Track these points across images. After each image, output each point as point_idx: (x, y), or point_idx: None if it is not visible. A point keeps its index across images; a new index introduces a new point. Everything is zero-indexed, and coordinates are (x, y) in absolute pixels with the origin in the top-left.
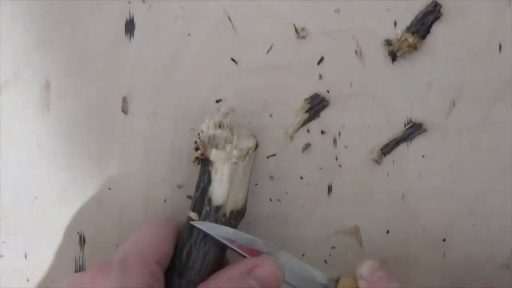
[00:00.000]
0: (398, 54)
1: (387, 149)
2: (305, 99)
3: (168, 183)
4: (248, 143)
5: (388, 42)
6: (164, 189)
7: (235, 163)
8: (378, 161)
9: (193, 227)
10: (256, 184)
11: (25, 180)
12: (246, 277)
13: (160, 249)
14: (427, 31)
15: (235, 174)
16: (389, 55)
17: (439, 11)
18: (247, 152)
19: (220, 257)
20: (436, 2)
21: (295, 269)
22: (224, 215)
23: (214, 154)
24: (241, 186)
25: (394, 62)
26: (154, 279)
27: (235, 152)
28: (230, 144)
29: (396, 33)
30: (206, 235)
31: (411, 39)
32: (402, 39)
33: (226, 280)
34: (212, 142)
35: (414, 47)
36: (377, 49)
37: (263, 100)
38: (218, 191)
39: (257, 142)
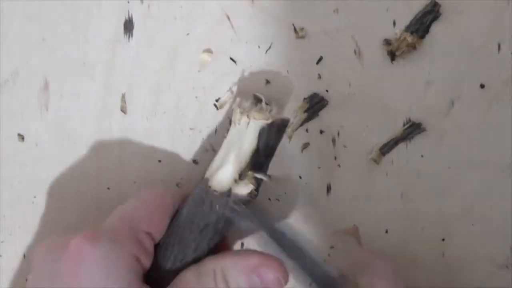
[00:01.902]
0: (397, 53)
1: (386, 148)
2: (304, 98)
3: (167, 183)
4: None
5: (387, 42)
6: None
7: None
8: (377, 161)
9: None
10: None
11: (24, 180)
12: (251, 272)
13: (154, 221)
14: (426, 31)
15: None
16: (388, 54)
17: (438, 10)
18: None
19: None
20: (435, 1)
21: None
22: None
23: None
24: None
25: (393, 62)
26: (142, 251)
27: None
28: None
29: (395, 32)
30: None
31: (410, 39)
32: (401, 38)
33: (231, 266)
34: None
35: (413, 47)
36: (376, 49)
37: (262, 100)
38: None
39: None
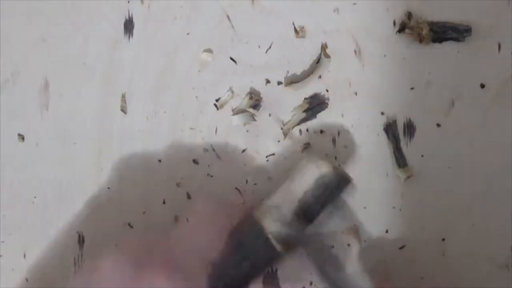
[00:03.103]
0: (406, 30)
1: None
2: (305, 98)
3: (167, 183)
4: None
5: (409, 16)
6: (164, 189)
7: None
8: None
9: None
10: (255, 184)
11: (24, 180)
12: None
13: (215, 246)
14: (441, 40)
15: None
16: (399, 24)
17: None
18: None
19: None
20: None
21: None
22: None
23: None
24: None
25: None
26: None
27: None
28: None
29: (421, 15)
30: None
31: (425, 31)
32: (420, 24)
33: None
34: None
35: (420, 39)
36: (376, 49)
37: (262, 100)
38: None
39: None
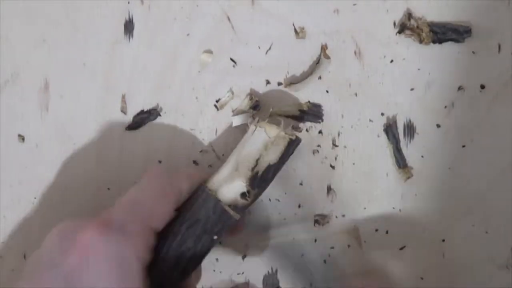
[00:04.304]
0: (406, 31)
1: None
2: (308, 101)
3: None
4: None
5: (409, 16)
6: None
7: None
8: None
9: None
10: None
11: (25, 180)
12: None
13: (162, 215)
14: (441, 41)
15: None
16: (399, 25)
17: None
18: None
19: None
20: None
21: None
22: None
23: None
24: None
25: (399, 34)
26: (148, 247)
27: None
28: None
29: (420, 16)
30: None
31: (425, 32)
32: (420, 25)
33: None
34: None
35: (420, 40)
36: (376, 50)
37: (262, 100)
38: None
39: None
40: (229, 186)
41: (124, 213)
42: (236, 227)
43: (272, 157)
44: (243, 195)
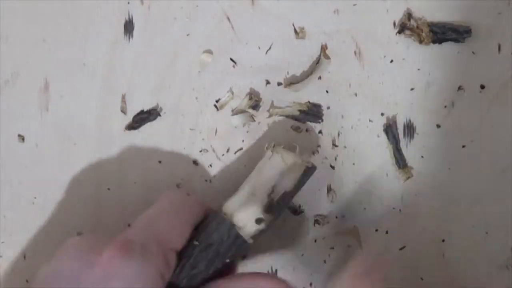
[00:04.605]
0: (406, 31)
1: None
2: (309, 101)
3: (167, 183)
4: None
5: (409, 16)
6: (164, 189)
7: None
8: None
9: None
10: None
11: (25, 180)
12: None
13: (180, 236)
14: (441, 41)
15: None
16: (399, 25)
17: None
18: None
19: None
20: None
21: None
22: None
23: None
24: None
25: (399, 34)
26: (167, 268)
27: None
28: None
29: (420, 16)
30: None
31: (425, 32)
32: (420, 25)
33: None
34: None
35: (420, 40)
36: (376, 50)
37: (262, 100)
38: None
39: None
40: (245, 212)
41: (143, 234)
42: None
43: (288, 184)
44: (258, 221)
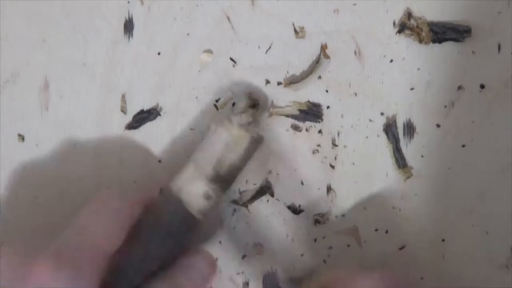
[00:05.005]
0: (406, 31)
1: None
2: (308, 101)
3: (167, 183)
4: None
5: (409, 16)
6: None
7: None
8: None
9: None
10: (255, 184)
11: (25, 180)
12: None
13: (114, 239)
14: (441, 41)
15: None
16: (399, 25)
17: None
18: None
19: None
20: None
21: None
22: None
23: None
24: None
25: (398, 34)
26: (98, 274)
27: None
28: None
29: (420, 16)
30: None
31: (425, 32)
32: (420, 25)
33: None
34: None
35: (420, 39)
36: (376, 50)
37: (261, 100)
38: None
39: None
40: (190, 186)
41: (73, 242)
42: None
43: (234, 156)
44: (204, 195)
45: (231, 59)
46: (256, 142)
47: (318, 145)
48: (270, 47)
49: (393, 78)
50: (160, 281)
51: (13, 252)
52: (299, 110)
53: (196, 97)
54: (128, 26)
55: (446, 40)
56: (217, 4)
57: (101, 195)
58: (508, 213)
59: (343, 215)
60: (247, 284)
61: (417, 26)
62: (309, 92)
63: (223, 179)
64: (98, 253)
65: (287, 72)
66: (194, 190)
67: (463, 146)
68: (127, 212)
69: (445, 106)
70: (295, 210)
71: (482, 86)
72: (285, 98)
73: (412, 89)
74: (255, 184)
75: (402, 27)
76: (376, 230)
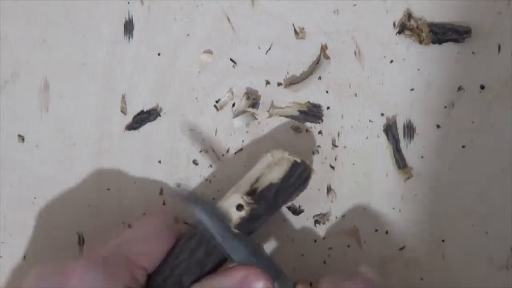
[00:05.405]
0: (406, 31)
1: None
2: (308, 101)
3: (167, 183)
4: None
5: (409, 16)
6: (164, 189)
7: None
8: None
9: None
10: None
11: (25, 180)
12: (238, 285)
13: (151, 256)
14: (441, 42)
15: None
16: (399, 26)
17: None
18: None
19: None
20: None
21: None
22: None
23: None
24: None
25: (399, 35)
26: (135, 284)
27: None
28: None
29: (420, 17)
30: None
31: (425, 32)
32: (420, 25)
33: (218, 285)
34: None
35: (420, 40)
36: (376, 50)
37: (262, 101)
38: None
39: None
40: (227, 201)
41: (113, 249)
42: None
43: (274, 176)
44: (238, 207)
45: (231, 59)
46: (297, 167)
47: (318, 146)
48: (270, 48)
49: (393, 78)
50: None
51: (43, 267)
52: (299, 111)
53: (196, 98)
54: (128, 27)
55: (446, 40)
56: (217, 4)
57: (150, 212)
58: (508, 213)
59: (343, 216)
60: None
61: (417, 27)
62: (309, 93)
63: (259, 196)
64: (132, 266)
65: (287, 72)
66: (229, 203)
67: (463, 146)
68: (170, 236)
69: (445, 107)
70: (295, 211)
71: (482, 87)
72: (285, 99)
73: (412, 89)
74: None
75: (402, 28)
76: (376, 230)
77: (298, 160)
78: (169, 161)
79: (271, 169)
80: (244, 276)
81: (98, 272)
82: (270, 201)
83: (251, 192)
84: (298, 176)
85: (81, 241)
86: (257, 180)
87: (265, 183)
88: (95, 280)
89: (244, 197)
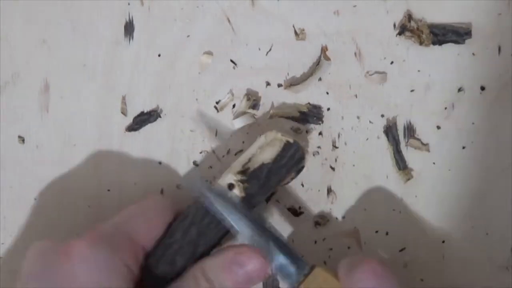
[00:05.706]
0: (406, 32)
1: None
2: (308, 103)
3: (167, 184)
4: None
5: (410, 18)
6: (164, 191)
7: None
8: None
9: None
10: None
11: (25, 181)
12: (230, 265)
13: (151, 234)
14: (441, 43)
15: None
16: (399, 27)
17: None
18: None
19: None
20: None
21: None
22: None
23: None
24: None
25: (398, 36)
26: (135, 263)
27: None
28: None
29: (420, 18)
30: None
31: (425, 33)
32: (420, 27)
33: (210, 265)
34: None
35: (420, 41)
36: (377, 51)
37: (262, 102)
38: None
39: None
40: (219, 181)
41: (114, 228)
42: None
43: (266, 156)
44: (230, 186)
45: (231, 61)
46: (290, 147)
47: (319, 147)
48: (270, 49)
49: (393, 80)
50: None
51: (44, 242)
52: (300, 112)
53: (196, 99)
54: (129, 28)
55: (446, 42)
56: (217, 5)
57: (149, 197)
58: (508, 213)
59: (344, 217)
60: None
61: (417, 28)
62: (310, 94)
63: (251, 175)
64: (133, 244)
65: (288, 74)
66: (221, 183)
67: (463, 147)
68: (168, 215)
69: (445, 108)
70: (295, 212)
71: (483, 88)
72: (286, 100)
73: (412, 90)
74: None
75: (402, 29)
76: (377, 231)
77: (291, 140)
78: (169, 162)
79: (263, 149)
80: (236, 254)
81: (99, 249)
82: (262, 180)
83: (243, 172)
84: (290, 157)
85: None
86: (249, 160)
87: (257, 163)
88: (96, 257)
89: (235, 176)
